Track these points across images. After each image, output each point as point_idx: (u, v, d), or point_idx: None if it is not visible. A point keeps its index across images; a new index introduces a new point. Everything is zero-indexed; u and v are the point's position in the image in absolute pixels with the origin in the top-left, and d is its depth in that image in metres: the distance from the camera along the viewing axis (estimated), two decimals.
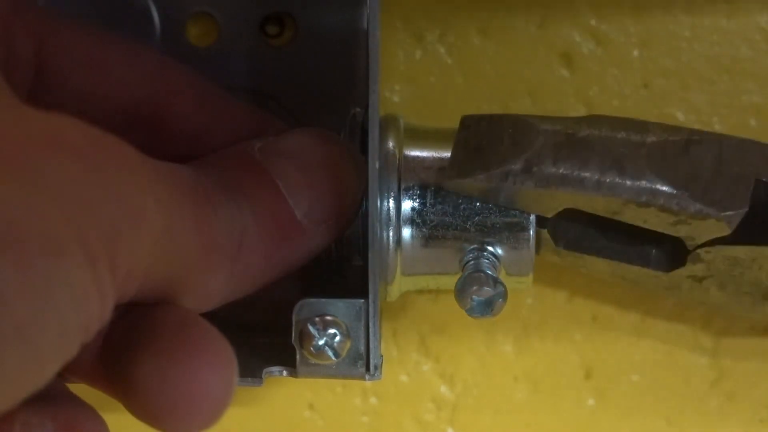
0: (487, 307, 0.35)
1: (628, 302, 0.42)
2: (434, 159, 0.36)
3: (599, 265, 0.37)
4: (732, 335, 0.42)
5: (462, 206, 0.35)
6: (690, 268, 0.36)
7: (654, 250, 0.37)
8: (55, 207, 0.24)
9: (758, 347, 0.42)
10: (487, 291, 0.34)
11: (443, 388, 0.43)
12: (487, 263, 0.35)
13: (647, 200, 0.34)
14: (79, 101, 0.33)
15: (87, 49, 0.33)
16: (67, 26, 0.33)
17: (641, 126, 0.35)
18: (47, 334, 0.24)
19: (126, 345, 0.28)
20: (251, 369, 0.35)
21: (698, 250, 0.35)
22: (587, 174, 0.34)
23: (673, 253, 0.36)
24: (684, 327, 0.42)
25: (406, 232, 0.35)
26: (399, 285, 0.36)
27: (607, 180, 0.34)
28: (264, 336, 0.37)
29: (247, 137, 0.34)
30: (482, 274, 0.35)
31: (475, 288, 0.34)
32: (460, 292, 0.34)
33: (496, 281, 0.34)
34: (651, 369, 0.42)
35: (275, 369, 0.35)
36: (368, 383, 0.42)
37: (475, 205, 0.35)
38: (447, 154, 0.36)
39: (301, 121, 0.38)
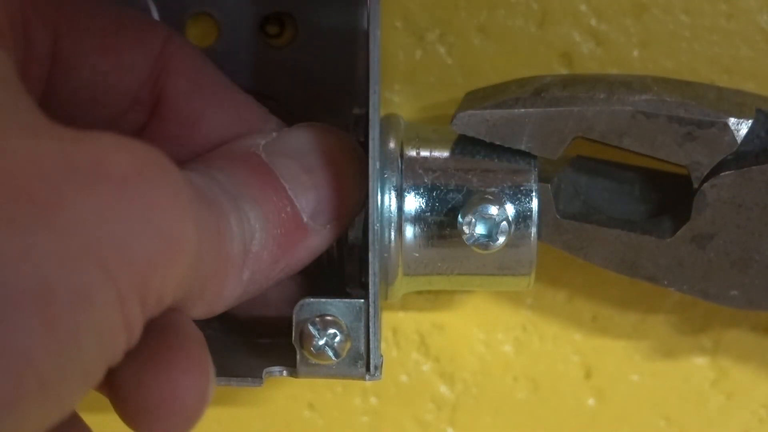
0: (490, 234, 0.34)
1: (628, 302, 0.42)
2: (436, 159, 0.36)
3: (599, 244, 0.36)
4: (732, 335, 0.42)
5: (463, 199, 0.35)
6: (695, 224, 0.36)
7: (656, 218, 0.37)
8: (88, 253, 0.23)
9: (758, 347, 0.42)
10: (490, 211, 0.34)
11: (443, 388, 0.43)
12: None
13: (656, 108, 0.34)
14: (93, 88, 0.32)
15: (101, 35, 0.32)
16: (81, 11, 0.32)
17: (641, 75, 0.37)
18: (72, 381, 0.23)
19: None
20: (251, 369, 0.35)
21: (704, 186, 0.35)
22: (596, 92, 0.35)
23: (676, 211, 0.36)
24: (684, 327, 0.42)
25: (408, 232, 0.35)
26: (401, 285, 0.36)
27: (616, 96, 0.35)
28: (264, 336, 0.37)
29: (243, 130, 0.34)
30: (484, 197, 0.34)
31: (476, 210, 0.34)
32: (462, 218, 0.34)
33: (500, 204, 0.34)
34: (651, 369, 0.42)
35: (275, 369, 0.35)
36: (368, 383, 0.42)
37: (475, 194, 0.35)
38: (448, 155, 0.36)
39: (300, 121, 0.38)
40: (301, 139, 0.34)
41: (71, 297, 0.23)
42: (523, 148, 0.35)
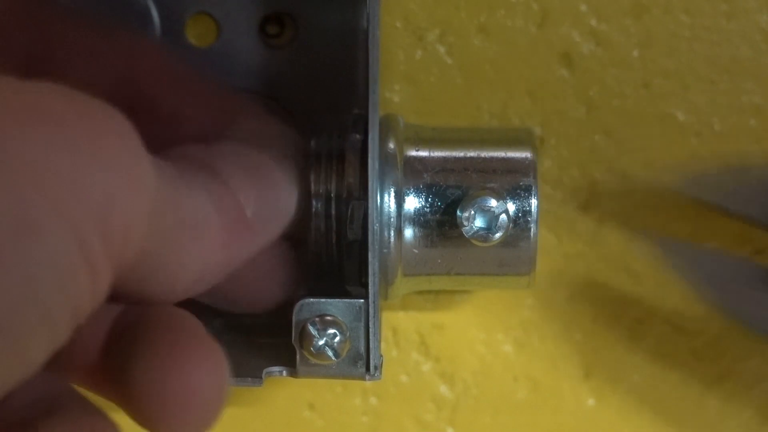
0: (489, 226, 0.34)
1: (628, 302, 0.42)
2: (435, 158, 0.36)
3: None
4: (732, 335, 0.42)
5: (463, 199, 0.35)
6: None
7: None
8: (29, 184, 0.22)
9: (758, 347, 0.42)
10: (490, 203, 0.34)
11: (443, 388, 0.43)
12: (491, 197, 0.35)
13: None
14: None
15: (77, 38, 0.32)
16: (59, 16, 0.32)
17: None
18: (28, 320, 0.23)
19: (121, 347, 0.28)
20: (251, 369, 0.35)
21: None
22: None
23: None
24: (684, 327, 0.42)
25: (408, 231, 0.35)
26: (401, 285, 0.36)
27: None
28: (264, 336, 0.37)
29: (222, 121, 0.34)
30: (484, 190, 0.34)
31: (475, 202, 0.34)
32: (461, 211, 0.34)
33: (500, 197, 0.34)
34: (651, 369, 0.42)
35: (275, 369, 0.35)
36: (368, 383, 0.42)
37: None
38: (447, 153, 0.36)
39: (300, 121, 0.38)
40: (233, 147, 0.34)
41: (13, 223, 0.22)
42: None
